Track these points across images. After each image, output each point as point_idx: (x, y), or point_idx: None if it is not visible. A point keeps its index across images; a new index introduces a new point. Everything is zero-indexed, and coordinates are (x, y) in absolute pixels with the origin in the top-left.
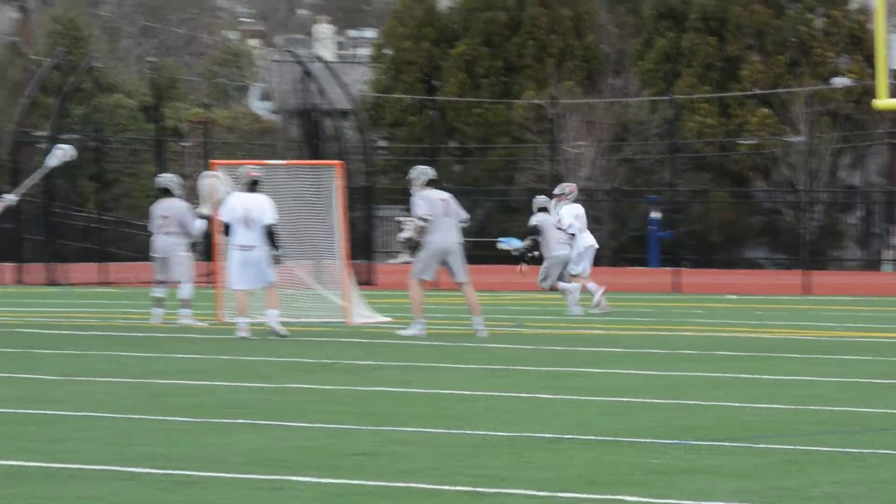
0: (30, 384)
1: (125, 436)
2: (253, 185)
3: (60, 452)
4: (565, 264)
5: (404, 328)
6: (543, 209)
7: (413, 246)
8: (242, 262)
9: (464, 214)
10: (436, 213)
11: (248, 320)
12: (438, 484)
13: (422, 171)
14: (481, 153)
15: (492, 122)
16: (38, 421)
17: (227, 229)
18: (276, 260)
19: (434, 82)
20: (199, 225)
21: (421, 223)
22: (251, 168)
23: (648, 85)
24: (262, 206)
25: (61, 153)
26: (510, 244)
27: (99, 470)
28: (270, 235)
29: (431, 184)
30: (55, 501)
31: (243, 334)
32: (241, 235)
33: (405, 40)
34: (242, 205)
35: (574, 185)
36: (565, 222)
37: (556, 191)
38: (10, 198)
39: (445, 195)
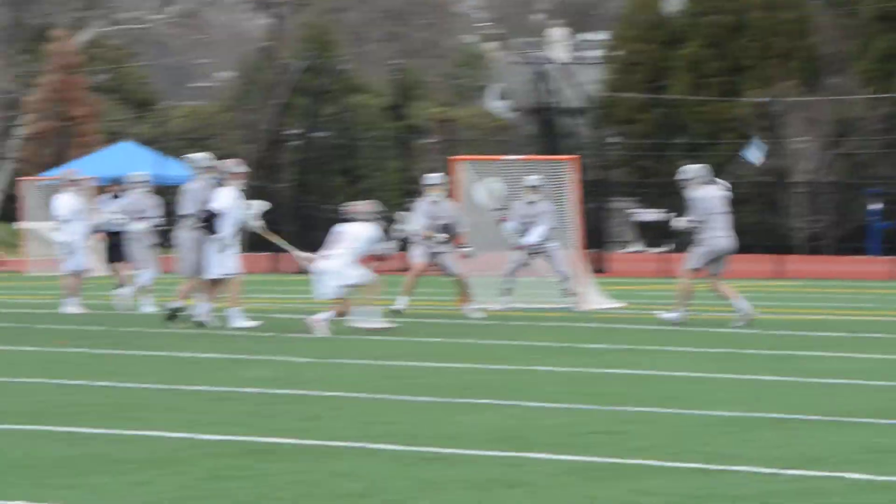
0: (285, 366)
1: (373, 414)
2: None
3: (313, 430)
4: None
5: (666, 313)
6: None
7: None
8: None
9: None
10: (714, 211)
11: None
12: (669, 461)
13: (695, 171)
14: (709, 148)
15: (717, 120)
16: (293, 401)
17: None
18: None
19: (662, 83)
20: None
21: (690, 224)
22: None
23: (867, 83)
24: None
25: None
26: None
27: (349, 447)
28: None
29: (709, 182)
30: (308, 475)
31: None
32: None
33: (635, 42)
34: None
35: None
36: None
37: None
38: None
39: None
